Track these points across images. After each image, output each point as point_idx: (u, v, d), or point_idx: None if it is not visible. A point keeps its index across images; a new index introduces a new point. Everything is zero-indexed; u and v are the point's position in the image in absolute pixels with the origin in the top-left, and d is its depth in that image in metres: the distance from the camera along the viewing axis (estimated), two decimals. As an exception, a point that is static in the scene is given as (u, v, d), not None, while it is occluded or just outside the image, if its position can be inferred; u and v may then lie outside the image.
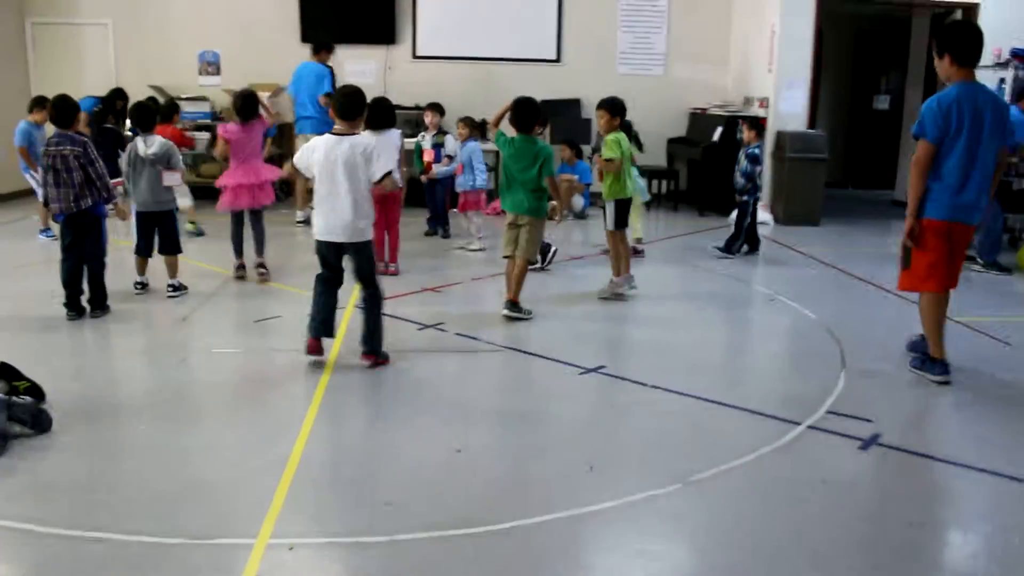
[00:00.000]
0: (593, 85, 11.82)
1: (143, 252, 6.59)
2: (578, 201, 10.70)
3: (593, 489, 3.55)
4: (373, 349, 5.03)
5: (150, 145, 6.43)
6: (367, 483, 3.63)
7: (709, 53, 12.09)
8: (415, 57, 11.96)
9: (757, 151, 8.17)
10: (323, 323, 5.02)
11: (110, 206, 6.29)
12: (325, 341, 5.08)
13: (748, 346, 6.12)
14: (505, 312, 6.07)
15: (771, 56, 10.75)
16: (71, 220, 5.99)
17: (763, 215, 10.48)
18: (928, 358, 4.98)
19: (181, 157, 6.66)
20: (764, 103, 10.89)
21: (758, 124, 8.27)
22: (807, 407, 4.48)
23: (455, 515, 3.29)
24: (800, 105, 10.72)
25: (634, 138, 8.93)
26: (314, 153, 4.86)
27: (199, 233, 8.95)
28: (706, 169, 11.02)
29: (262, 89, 11.14)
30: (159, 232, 6.52)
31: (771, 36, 10.75)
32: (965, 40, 4.74)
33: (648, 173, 11.58)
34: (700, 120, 11.65)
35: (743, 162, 8.20)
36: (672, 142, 11.95)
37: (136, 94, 9.91)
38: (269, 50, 11.71)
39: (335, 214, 4.82)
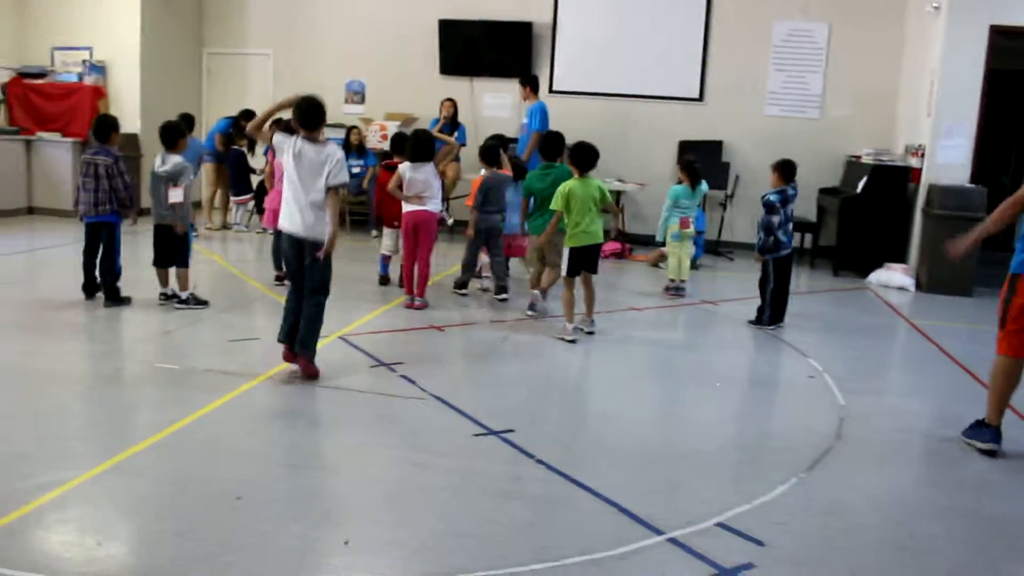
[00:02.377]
0: (737, 127, 10.98)
1: (156, 263, 6.84)
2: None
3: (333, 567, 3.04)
4: (306, 351, 5.16)
5: (166, 163, 6.59)
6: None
7: (873, 95, 10.76)
8: (551, 91, 11.61)
9: (774, 198, 6.88)
10: (289, 330, 5.24)
11: (129, 220, 6.76)
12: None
13: (709, 431, 4.81)
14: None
15: (930, 98, 9.37)
16: (89, 224, 6.67)
17: (903, 279, 9.13)
18: (979, 424, 4.52)
19: (191, 177, 6.83)
20: (919, 152, 9.50)
21: (784, 166, 6.96)
22: (696, 515, 3.64)
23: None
24: (961, 156, 9.24)
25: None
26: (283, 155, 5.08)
27: None
28: (846, 223, 9.77)
29: (397, 118, 11.36)
30: (168, 245, 6.69)
31: (931, 75, 9.37)
32: None
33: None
34: (855, 169, 10.36)
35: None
36: (824, 192, 10.73)
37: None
38: (410, 82, 11.87)
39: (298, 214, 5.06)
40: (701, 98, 11.25)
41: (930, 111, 9.35)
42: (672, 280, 8.23)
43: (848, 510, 3.79)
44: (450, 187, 10.43)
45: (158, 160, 6.69)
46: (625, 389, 5.49)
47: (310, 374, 5.17)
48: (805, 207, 10.78)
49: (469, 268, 7.73)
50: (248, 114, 10.27)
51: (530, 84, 9.95)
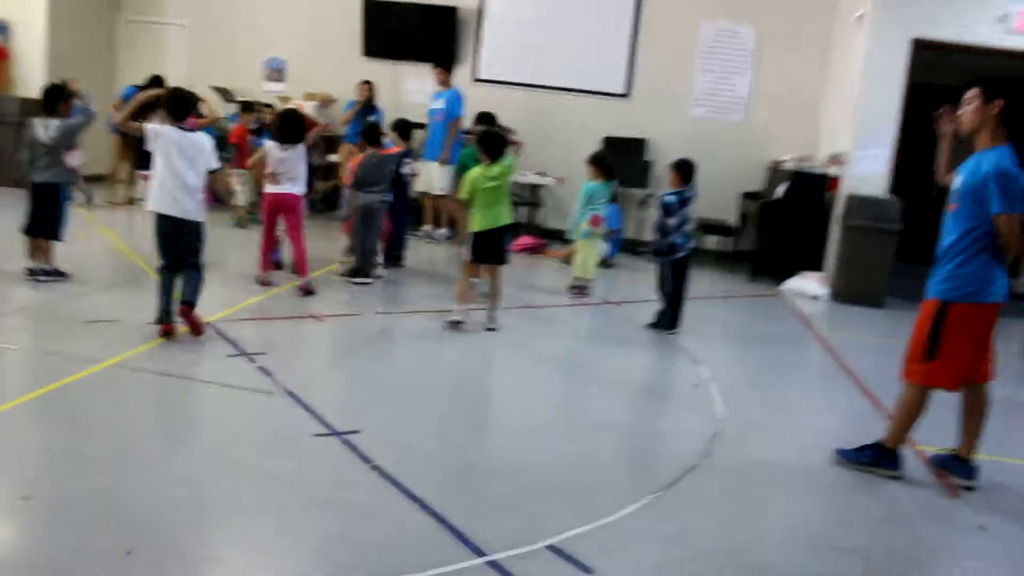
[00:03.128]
0: (663, 126, 10.77)
1: (28, 231, 6.42)
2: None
3: None
4: (190, 301, 5.32)
5: (48, 128, 6.25)
6: None
7: (799, 100, 10.60)
8: (475, 80, 11.30)
9: (672, 199, 6.66)
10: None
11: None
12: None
13: (568, 443, 4.49)
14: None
15: (851, 108, 9.23)
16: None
17: (817, 288, 8.99)
18: (882, 450, 4.27)
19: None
20: (839, 160, 9.37)
21: (683, 166, 6.76)
22: (528, 535, 3.36)
23: None
24: (879, 166, 9.11)
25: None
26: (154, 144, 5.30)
27: None
28: (765, 228, 9.62)
29: (315, 98, 10.96)
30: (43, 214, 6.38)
31: (853, 85, 9.24)
32: None
33: (704, 227, 10.36)
34: (777, 174, 10.21)
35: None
36: (746, 196, 10.58)
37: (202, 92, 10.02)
38: (332, 62, 11.47)
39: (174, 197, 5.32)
40: (627, 94, 11.02)
41: (850, 121, 9.22)
42: (577, 278, 7.97)
43: (696, 535, 3.55)
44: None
45: (40, 128, 6.25)
46: (494, 393, 5.23)
47: (197, 328, 5.40)
48: (727, 210, 10.65)
49: (360, 253, 7.39)
50: (157, 80, 9.81)
51: (445, 68, 9.61)
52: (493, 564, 3.12)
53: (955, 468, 4.29)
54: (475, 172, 6.31)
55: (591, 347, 6.54)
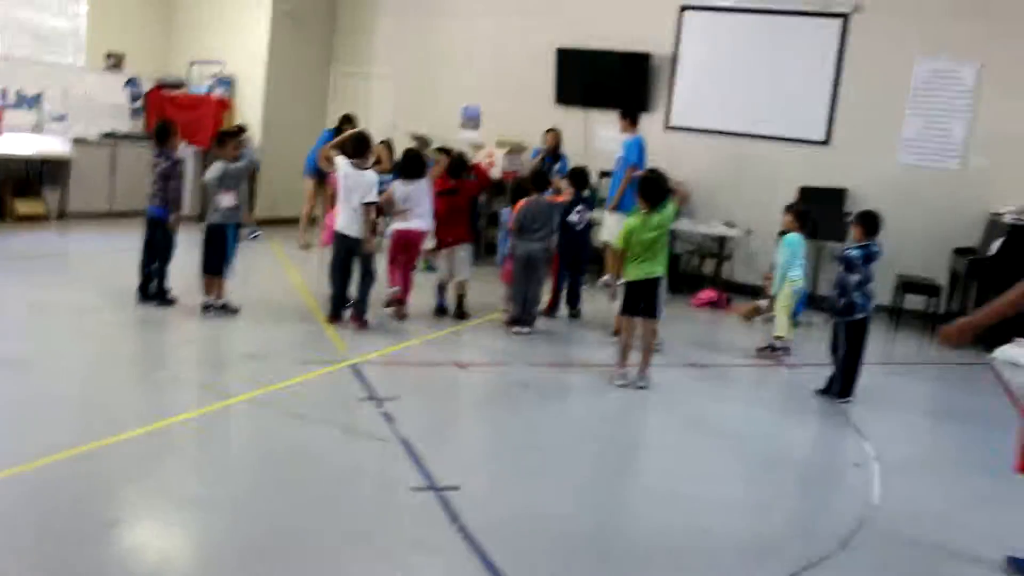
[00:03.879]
0: (865, 174, 10.01)
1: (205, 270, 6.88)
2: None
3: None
4: (359, 310, 6.84)
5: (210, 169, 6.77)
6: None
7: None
8: (667, 127, 11.02)
9: (855, 254, 6.02)
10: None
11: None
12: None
13: (689, 521, 4.19)
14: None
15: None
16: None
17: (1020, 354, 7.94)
18: None
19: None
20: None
21: (867, 218, 6.09)
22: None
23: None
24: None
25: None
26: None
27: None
28: (976, 287, 8.64)
29: (506, 145, 11.09)
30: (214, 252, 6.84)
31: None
32: None
33: (907, 285, 9.48)
34: (996, 228, 9.16)
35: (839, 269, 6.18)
36: (958, 252, 9.57)
37: (402, 139, 10.72)
38: (526, 110, 11.59)
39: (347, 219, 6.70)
40: (827, 141, 10.32)
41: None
42: (777, 338, 7.36)
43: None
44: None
45: (209, 171, 6.78)
46: (625, 459, 4.88)
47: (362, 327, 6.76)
48: (936, 267, 9.68)
49: (521, 302, 7.29)
50: (347, 119, 10.26)
51: (629, 116, 9.39)
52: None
53: None
54: (633, 221, 6.07)
55: (749, 411, 6.03)
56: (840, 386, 6.17)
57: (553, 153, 10.46)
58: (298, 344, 6.38)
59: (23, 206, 10.42)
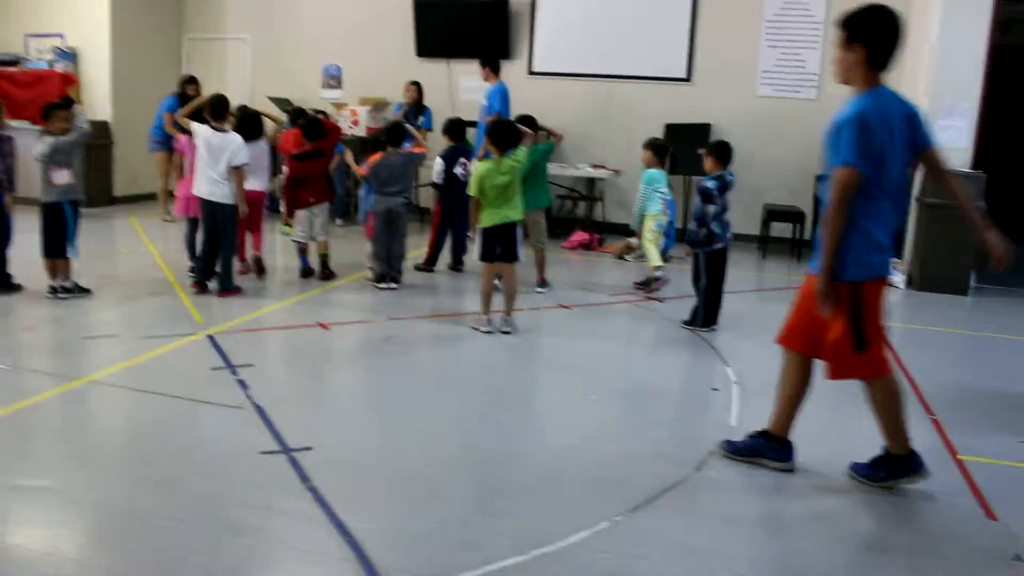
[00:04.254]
0: (728, 108, 10.14)
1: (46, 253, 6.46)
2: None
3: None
4: (225, 285, 6.64)
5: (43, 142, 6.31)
6: None
7: (875, 72, 9.76)
8: (531, 73, 10.94)
9: (711, 185, 6.09)
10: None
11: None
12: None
13: (541, 455, 4.16)
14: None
15: (928, 76, 8.41)
16: None
17: (894, 275, 8.21)
18: (892, 459, 3.72)
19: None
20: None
21: (720, 148, 6.20)
22: (450, 565, 2.99)
23: None
24: (961, 139, 8.26)
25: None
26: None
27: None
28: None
29: (368, 103, 10.83)
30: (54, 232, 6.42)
31: (930, 50, 8.41)
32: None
33: (773, 213, 9.70)
34: (854, 154, 9.41)
35: (696, 201, 6.27)
36: (819, 179, 9.81)
37: (262, 103, 10.31)
38: (387, 66, 11.32)
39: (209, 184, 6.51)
40: (688, 79, 10.42)
41: (927, 90, 8.39)
42: (655, 270, 7.39)
43: (649, 561, 3.09)
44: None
45: (37, 145, 6.31)
46: (484, 405, 4.81)
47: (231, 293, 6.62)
48: (800, 195, 9.94)
49: (385, 258, 7.16)
50: (191, 80, 9.87)
51: (490, 65, 9.26)
52: None
53: None
54: (484, 167, 5.96)
55: (614, 347, 6.02)
56: (703, 316, 6.25)
57: (416, 106, 10.26)
58: (153, 319, 6.10)
59: None
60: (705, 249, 6.16)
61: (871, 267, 3.51)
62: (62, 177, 6.25)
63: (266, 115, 8.01)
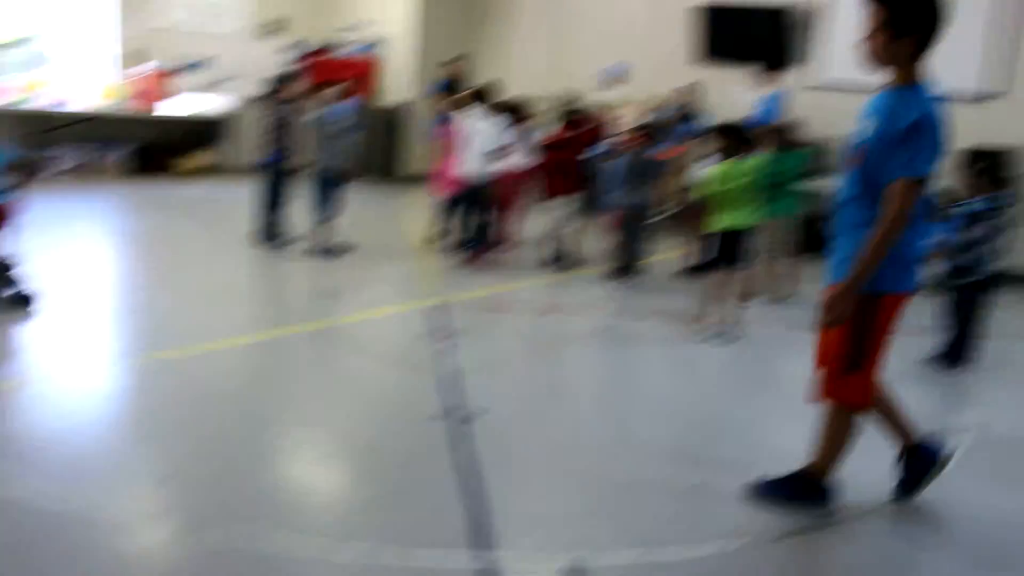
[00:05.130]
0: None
1: None
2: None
3: None
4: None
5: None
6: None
7: None
8: (814, 88, 10.37)
9: (981, 208, 5.28)
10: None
11: None
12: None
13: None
14: None
15: None
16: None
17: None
18: (804, 480, 3.36)
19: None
20: None
21: (987, 163, 5.37)
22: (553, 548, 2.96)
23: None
24: None
25: None
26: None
27: None
28: None
29: (644, 103, 10.85)
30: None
31: None
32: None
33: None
34: None
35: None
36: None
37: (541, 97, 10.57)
38: (666, 67, 11.27)
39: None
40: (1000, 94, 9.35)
41: None
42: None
43: None
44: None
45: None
46: (699, 408, 4.65)
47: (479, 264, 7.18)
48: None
49: (622, 252, 7.26)
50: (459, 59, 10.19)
51: (770, 70, 8.91)
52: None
53: None
54: (719, 169, 5.78)
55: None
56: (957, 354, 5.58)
57: (686, 109, 10.10)
58: (399, 284, 6.62)
59: (189, 161, 11.34)
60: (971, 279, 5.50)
61: (905, 280, 3.09)
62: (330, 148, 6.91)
63: (531, 105, 8.29)
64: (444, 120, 9.29)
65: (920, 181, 2.96)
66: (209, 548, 2.75)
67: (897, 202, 2.94)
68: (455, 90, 9.67)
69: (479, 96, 7.29)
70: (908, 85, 3.02)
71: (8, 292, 4.96)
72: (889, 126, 2.97)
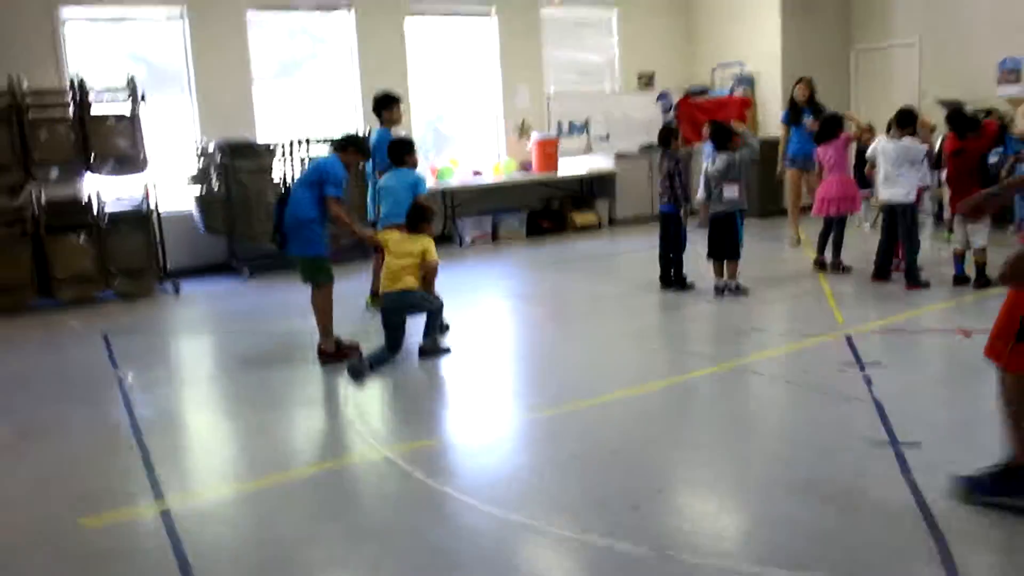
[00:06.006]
0: None
1: (710, 255, 7.55)
2: None
3: None
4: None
5: (715, 161, 7.38)
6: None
7: None
8: None
9: None
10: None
11: None
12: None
13: None
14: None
15: None
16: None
17: None
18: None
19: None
20: None
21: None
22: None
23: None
24: None
25: None
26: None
27: None
28: None
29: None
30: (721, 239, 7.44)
31: None
32: None
33: None
34: None
35: None
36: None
37: (929, 106, 10.34)
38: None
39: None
40: None
41: None
42: None
43: None
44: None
45: (708, 160, 7.47)
46: None
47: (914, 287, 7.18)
48: None
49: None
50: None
51: None
52: None
53: None
54: None
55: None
56: None
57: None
58: (799, 317, 6.73)
59: (580, 217, 12.29)
60: None
61: None
62: (731, 192, 7.18)
63: (850, 117, 8.82)
64: (803, 156, 9.31)
65: None
66: None
67: None
68: (797, 111, 9.54)
69: (899, 120, 7.40)
70: None
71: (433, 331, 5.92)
72: None
